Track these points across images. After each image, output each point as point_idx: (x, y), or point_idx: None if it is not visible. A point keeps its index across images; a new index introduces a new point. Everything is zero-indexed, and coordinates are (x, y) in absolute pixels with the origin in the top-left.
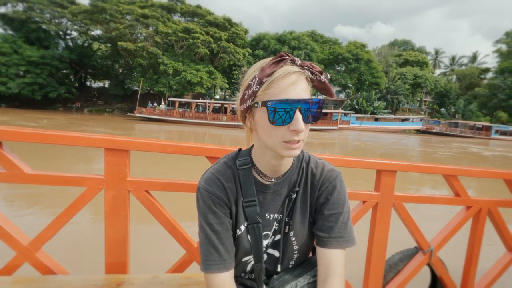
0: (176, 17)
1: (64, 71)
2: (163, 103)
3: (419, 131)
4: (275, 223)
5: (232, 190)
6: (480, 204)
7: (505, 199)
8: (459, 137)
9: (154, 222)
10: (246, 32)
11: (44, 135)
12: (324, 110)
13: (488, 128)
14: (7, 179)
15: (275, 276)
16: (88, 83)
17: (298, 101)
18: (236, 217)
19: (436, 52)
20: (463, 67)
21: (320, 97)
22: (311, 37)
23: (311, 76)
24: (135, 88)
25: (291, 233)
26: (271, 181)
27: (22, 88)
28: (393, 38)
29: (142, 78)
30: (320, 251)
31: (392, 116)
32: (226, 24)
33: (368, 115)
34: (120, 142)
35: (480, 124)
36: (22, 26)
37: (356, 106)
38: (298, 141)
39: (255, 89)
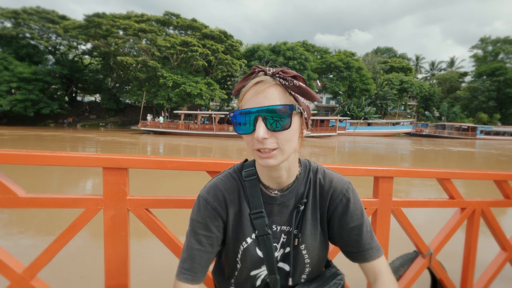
0: (170, 31)
1: (55, 86)
2: (162, 115)
3: (409, 134)
4: (283, 235)
5: (234, 202)
6: (474, 205)
7: (497, 199)
8: (448, 138)
9: (155, 241)
10: (240, 43)
11: (40, 157)
12: (321, 118)
13: (473, 129)
14: (0, 204)
15: None
16: (78, 98)
17: (257, 110)
18: (239, 229)
19: (417, 58)
20: (443, 72)
21: (308, 101)
22: (303, 47)
23: (284, 82)
24: (127, 101)
25: (302, 246)
26: (276, 193)
27: (14, 105)
28: (371, 44)
29: (144, 92)
30: (361, 265)
31: (384, 120)
32: (222, 37)
33: (362, 121)
34: (119, 161)
35: (465, 125)
36: (11, 43)
37: (348, 112)
38: (271, 150)
39: (238, 103)
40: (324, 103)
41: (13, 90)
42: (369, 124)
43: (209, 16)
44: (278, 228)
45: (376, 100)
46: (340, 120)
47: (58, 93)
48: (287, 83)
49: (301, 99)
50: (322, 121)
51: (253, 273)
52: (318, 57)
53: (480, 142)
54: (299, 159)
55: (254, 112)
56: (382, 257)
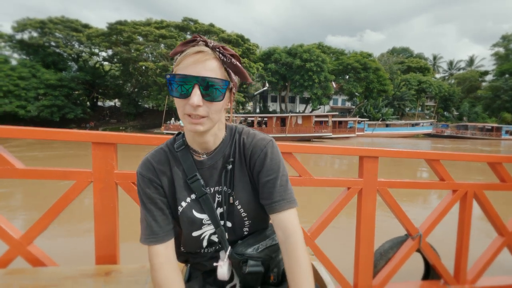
0: (188, 36)
1: (78, 92)
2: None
3: (429, 135)
4: (217, 195)
5: (165, 172)
6: (465, 187)
7: (491, 182)
8: (471, 139)
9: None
10: (257, 47)
11: (36, 131)
12: (339, 119)
13: (498, 129)
14: None
15: (239, 241)
16: (99, 103)
17: (196, 78)
18: (173, 195)
19: (434, 58)
20: (462, 71)
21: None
22: (319, 49)
23: (223, 58)
24: (145, 105)
25: (236, 202)
26: (204, 157)
27: (41, 111)
28: (384, 45)
29: (167, 96)
30: (272, 217)
31: (403, 121)
32: (239, 41)
33: (379, 122)
34: (107, 136)
35: (489, 125)
36: (38, 51)
37: (364, 113)
38: (201, 117)
39: (173, 66)
40: (339, 104)
41: (39, 96)
42: (387, 125)
43: (219, 20)
44: (212, 189)
45: (393, 101)
46: (358, 122)
47: (81, 98)
48: (225, 59)
49: (233, 76)
50: (340, 122)
51: (195, 234)
52: (333, 58)
53: (506, 142)
54: (226, 124)
55: (193, 79)
56: (293, 210)
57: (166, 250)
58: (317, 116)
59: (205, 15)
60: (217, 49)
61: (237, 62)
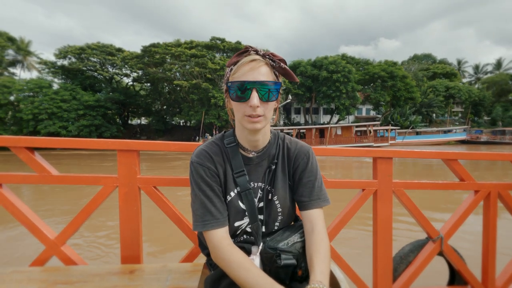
0: (216, 54)
1: (112, 111)
2: (214, 133)
3: (463, 142)
4: (260, 191)
5: (220, 163)
6: (488, 188)
7: None
8: (511, 145)
9: (162, 217)
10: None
11: (68, 141)
12: (375, 128)
13: None
14: (38, 181)
15: (268, 238)
16: (129, 121)
17: (254, 82)
18: (225, 185)
19: (459, 63)
20: (489, 75)
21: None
22: (344, 60)
23: (272, 63)
24: (172, 122)
25: (275, 198)
26: (253, 154)
27: (81, 130)
28: (400, 52)
29: (203, 112)
30: (304, 213)
31: (434, 128)
32: None
33: (410, 130)
34: (130, 143)
35: None
36: (77, 75)
37: (391, 122)
38: (259, 116)
39: (227, 75)
40: (364, 113)
41: (78, 117)
42: (417, 133)
43: (235, 36)
44: (256, 184)
45: (421, 108)
46: (388, 130)
47: (114, 117)
48: (274, 64)
49: (280, 78)
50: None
51: (237, 224)
52: (358, 69)
53: None
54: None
55: (251, 84)
56: (322, 209)
57: (227, 233)
58: (356, 126)
59: (221, 31)
60: (267, 56)
61: (285, 66)
